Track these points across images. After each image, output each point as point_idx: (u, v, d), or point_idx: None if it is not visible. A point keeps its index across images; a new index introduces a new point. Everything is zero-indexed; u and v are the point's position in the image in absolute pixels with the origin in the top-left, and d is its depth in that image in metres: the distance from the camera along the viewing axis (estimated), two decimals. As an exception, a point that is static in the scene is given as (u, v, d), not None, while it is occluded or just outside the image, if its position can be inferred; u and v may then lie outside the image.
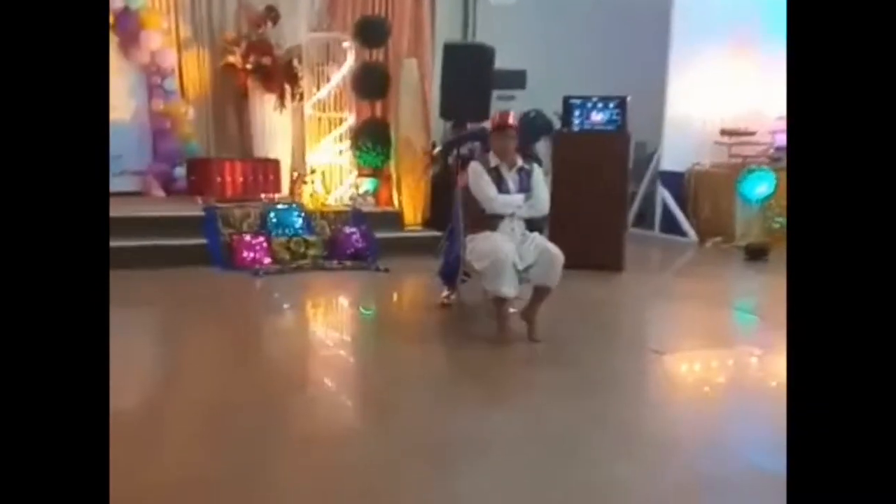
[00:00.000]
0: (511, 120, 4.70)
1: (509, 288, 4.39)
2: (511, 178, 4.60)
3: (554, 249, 4.48)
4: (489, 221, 4.60)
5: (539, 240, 4.59)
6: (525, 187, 4.62)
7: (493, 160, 4.64)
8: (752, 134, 9.18)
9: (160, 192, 8.58)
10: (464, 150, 8.40)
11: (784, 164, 9.14)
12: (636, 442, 3.19)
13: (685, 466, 2.95)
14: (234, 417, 3.29)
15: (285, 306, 5.67)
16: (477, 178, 4.63)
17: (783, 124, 9.32)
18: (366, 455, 2.97)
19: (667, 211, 9.53)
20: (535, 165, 4.77)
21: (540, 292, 4.58)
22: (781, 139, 9.38)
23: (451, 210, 5.36)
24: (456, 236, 5.11)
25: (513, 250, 4.39)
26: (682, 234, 9.27)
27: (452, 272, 5.28)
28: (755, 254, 7.92)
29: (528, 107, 10.04)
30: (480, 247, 4.52)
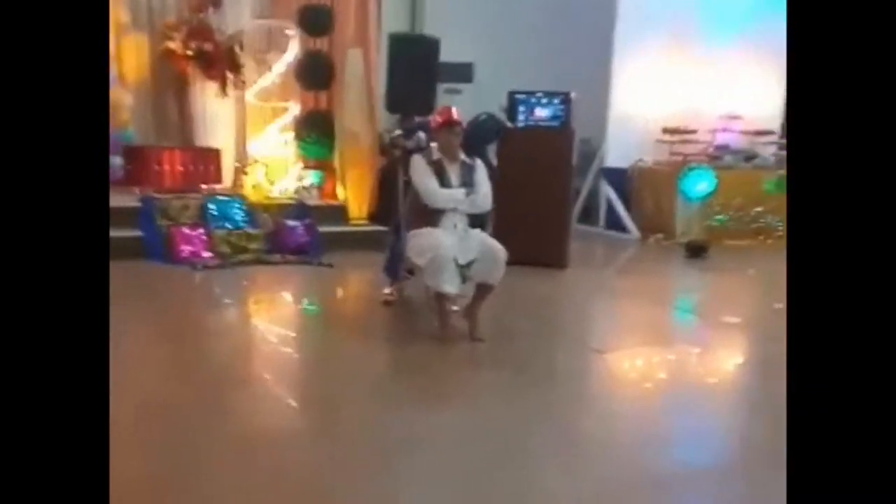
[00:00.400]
0: (456, 115, 4.68)
1: (450, 285, 4.36)
2: (453, 173, 4.59)
3: (496, 246, 4.47)
4: (431, 216, 4.55)
5: (481, 236, 4.58)
6: (468, 182, 4.60)
7: (436, 154, 4.63)
8: (693, 132, 9.34)
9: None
10: (410, 143, 8.34)
11: (724, 162, 9.36)
12: (575, 439, 3.21)
13: (622, 463, 2.98)
14: (172, 417, 3.19)
15: (226, 301, 5.54)
16: (419, 171, 4.60)
17: (723, 123, 9.55)
18: (306, 454, 2.95)
19: (611, 207, 9.64)
20: (478, 161, 4.75)
21: (482, 290, 4.56)
22: (721, 137, 9.60)
23: (396, 204, 5.33)
24: (401, 231, 5.08)
25: (454, 246, 4.37)
26: (625, 230, 9.39)
27: (396, 267, 5.24)
28: (695, 251, 8.06)
29: (474, 100, 10.03)
30: (421, 242, 4.49)
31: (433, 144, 4.82)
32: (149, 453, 2.85)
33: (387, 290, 5.34)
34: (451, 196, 4.54)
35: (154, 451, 2.88)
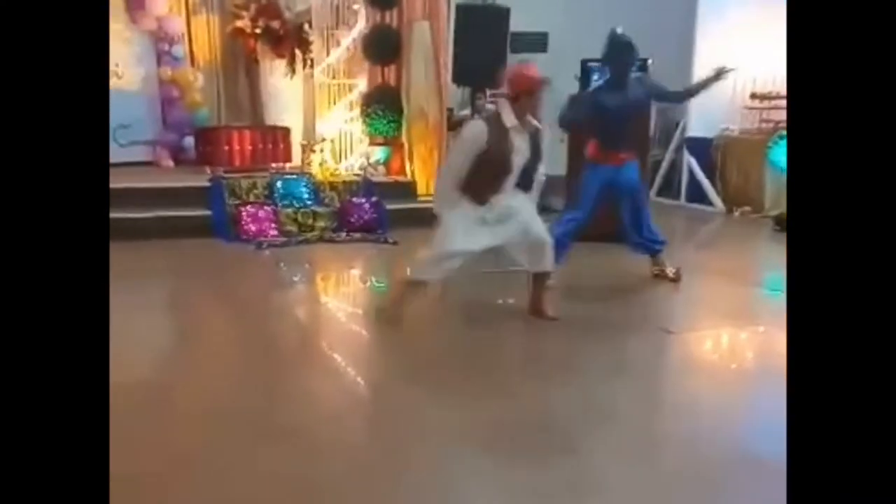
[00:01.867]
0: (540, 77, 3.98)
1: (434, 274, 4.10)
2: (523, 143, 4.01)
3: (540, 234, 4.15)
4: (486, 183, 3.98)
5: (525, 220, 4.12)
6: (536, 154, 4.08)
7: (509, 120, 3.96)
8: (785, 98, 8.72)
9: (169, 163, 8.43)
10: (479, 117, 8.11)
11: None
12: (640, 430, 2.96)
13: (686, 457, 2.73)
14: (231, 397, 3.14)
15: (291, 278, 5.50)
16: (461, 150, 4.05)
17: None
18: (366, 433, 2.94)
19: (693, 179, 9.15)
20: (543, 127, 4.17)
21: (539, 278, 4.31)
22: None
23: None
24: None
25: (470, 252, 4.04)
26: (709, 203, 8.89)
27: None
28: (785, 224, 7.53)
29: (549, 71, 9.69)
30: (444, 230, 4.07)
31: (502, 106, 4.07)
32: (210, 434, 2.83)
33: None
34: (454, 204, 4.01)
35: (213, 432, 2.84)
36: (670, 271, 5.36)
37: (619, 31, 5.13)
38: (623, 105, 4.95)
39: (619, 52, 5.01)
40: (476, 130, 4.00)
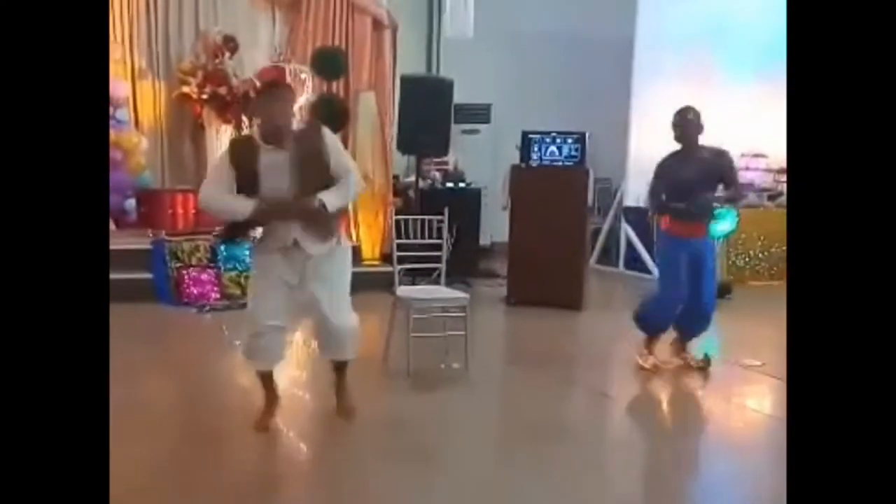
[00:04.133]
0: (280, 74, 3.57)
1: (268, 357, 3.52)
2: (280, 163, 3.24)
3: (337, 319, 3.46)
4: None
5: (322, 290, 3.41)
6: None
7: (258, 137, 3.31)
8: (715, 170, 9.13)
9: (111, 226, 8.31)
10: (424, 184, 8.29)
11: (747, 201, 9.12)
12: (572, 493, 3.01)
13: None
14: (163, 472, 3.06)
15: (234, 343, 5.43)
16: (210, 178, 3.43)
17: (746, 161, 9.33)
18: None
19: (631, 247, 9.43)
20: (325, 129, 3.42)
21: (338, 367, 3.76)
22: (744, 176, 9.35)
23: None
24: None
25: (276, 308, 3.40)
26: (647, 270, 9.16)
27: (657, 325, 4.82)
28: (719, 292, 7.79)
29: (492, 141, 10.00)
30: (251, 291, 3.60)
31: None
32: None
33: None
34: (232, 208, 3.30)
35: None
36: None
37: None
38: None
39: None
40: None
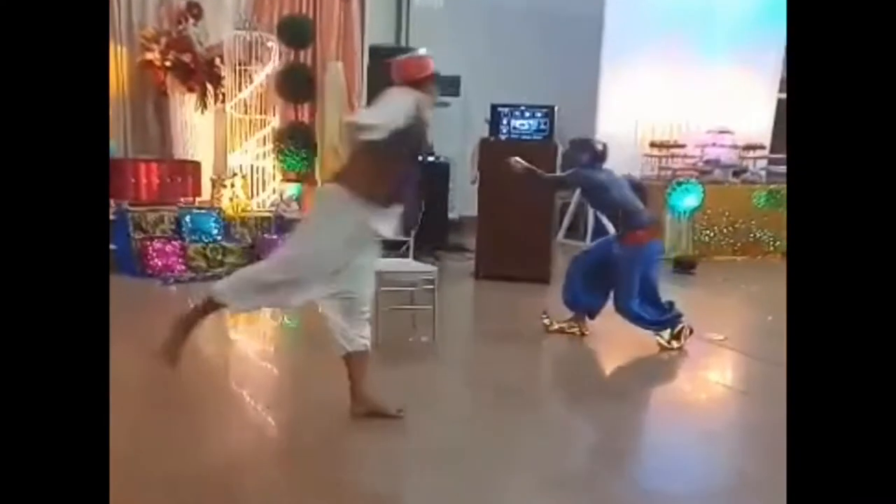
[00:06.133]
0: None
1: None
2: None
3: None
4: None
5: None
6: None
7: None
8: (682, 147, 9.22)
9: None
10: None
11: (713, 177, 9.24)
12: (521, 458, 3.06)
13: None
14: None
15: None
16: None
17: (712, 138, 9.43)
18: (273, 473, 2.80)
19: (598, 222, 9.48)
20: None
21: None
22: (710, 152, 9.47)
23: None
24: None
25: None
26: (613, 245, 9.24)
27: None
28: (683, 266, 7.93)
29: (462, 114, 9.94)
30: None
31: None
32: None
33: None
34: None
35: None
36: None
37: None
38: None
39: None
40: None
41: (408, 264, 4.85)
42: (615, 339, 5.20)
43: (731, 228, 8.85)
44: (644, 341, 4.87)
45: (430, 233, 7.16)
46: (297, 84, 7.78)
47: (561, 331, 5.07)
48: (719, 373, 4.72)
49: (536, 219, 6.83)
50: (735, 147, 9.50)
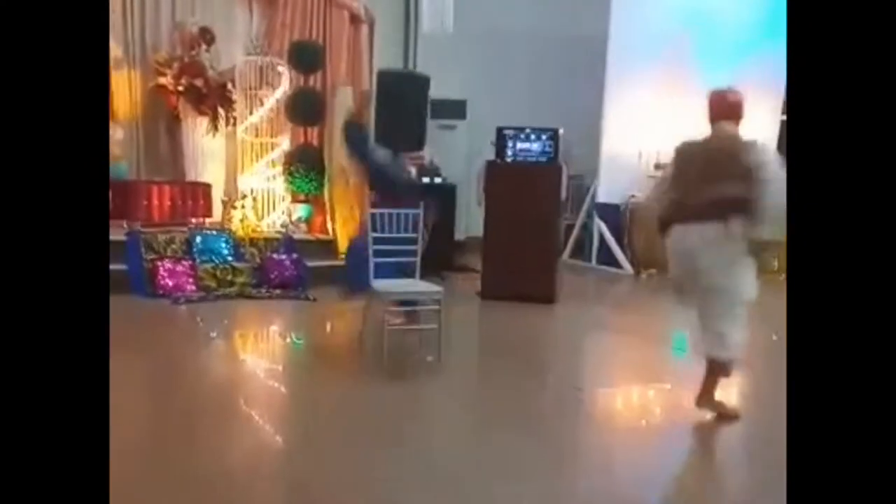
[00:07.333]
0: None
1: None
2: None
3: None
4: None
5: None
6: None
7: None
8: (686, 168, 9.28)
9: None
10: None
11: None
12: (544, 485, 3.11)
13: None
14: (149, 454, 3.10)
15: (210, 335, 5.47)
16: None
17: (716, 159, 9.47)
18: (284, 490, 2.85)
19: (603, 243, 9.57)
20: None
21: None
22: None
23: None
24: None
25: None
26: (618, 265, 9.31)
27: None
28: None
29: (468, 136, 10.07)
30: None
31: None
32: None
33: None
34: None
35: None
36: None
37: None
38: None
39: None
40: None
41: (414, 284, 4.93)
42: (618, 362, 5.26)
43: (735, 249, 8.87)
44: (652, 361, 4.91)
45: (436, 253, 7.27)
46: (306, 108, 7.92)
47: None
48: (723, 393, 4.75)
49: (542, 239, 6.91)
50: (739, 169, 9.53)
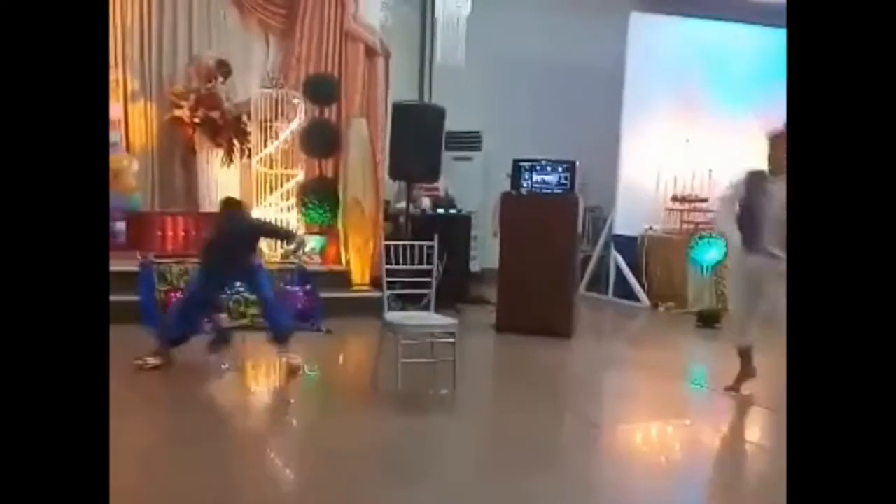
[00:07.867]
0: None
1: None
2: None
3: None
4: None
5: None
6: None
7: None
8: (704, 200, 9.20)
9: (98, 247, 8.26)
10: (415, 210, 8.32)
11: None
12: None
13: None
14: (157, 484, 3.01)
15: (220, 366, 5.40)
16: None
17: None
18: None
19: (620, 275, 9.45)
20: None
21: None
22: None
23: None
24: None
25: None
26: (636, 298, 9.18)
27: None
28: (707, 320, 7.85)
29: (483, 168, 10.04)
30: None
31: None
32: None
33: None
34: None
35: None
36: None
37: None
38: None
39: None
40: None
41: (429, 317, 4.85)
42: (637, 397, 5.13)
43: (755, 282, 8.75)
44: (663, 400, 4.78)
45: (451, 285, 7.20)
46: (321, 140, 7.92)
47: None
48: (745, 429, 4.63)
49: (558, 272, 6.81)
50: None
